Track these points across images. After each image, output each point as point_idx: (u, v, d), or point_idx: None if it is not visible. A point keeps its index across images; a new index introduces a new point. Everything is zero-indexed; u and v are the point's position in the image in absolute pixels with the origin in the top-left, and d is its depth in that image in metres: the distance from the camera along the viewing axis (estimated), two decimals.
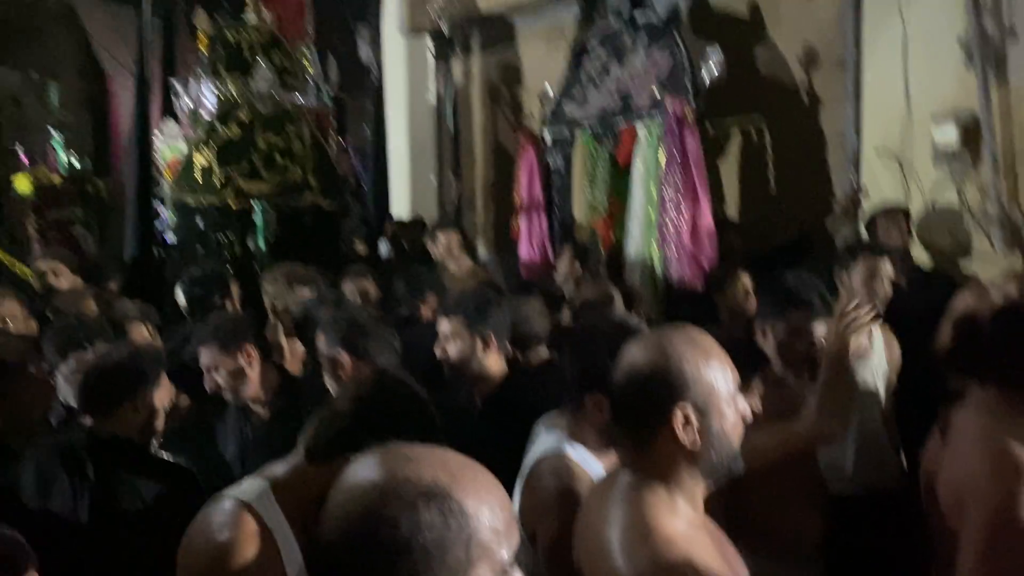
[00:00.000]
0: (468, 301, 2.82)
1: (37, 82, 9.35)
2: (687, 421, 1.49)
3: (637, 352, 1.59)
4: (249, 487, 1.66)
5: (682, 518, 1.49)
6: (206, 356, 2.77)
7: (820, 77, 5.11)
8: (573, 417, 2.02)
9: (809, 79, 5.14)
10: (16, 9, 11.71)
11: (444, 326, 2.79)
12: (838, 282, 3.47)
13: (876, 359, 3.06)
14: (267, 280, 3.93)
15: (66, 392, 2.86)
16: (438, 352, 2.79)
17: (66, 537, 1.61)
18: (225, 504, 1.61)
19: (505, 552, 1.02)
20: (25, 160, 7.73)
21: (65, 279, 4.52)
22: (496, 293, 3.15)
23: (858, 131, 4.90)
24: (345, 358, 2.65)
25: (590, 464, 1.93)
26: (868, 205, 4.63)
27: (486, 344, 2.73)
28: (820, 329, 2.65)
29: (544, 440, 2.02)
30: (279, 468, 1.72)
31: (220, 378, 2.76)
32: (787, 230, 4.96)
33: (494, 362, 2.78)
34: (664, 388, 1.51)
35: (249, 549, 1.55)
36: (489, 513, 1.01)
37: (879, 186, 4.73)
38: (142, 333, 3.40)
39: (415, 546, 0.96)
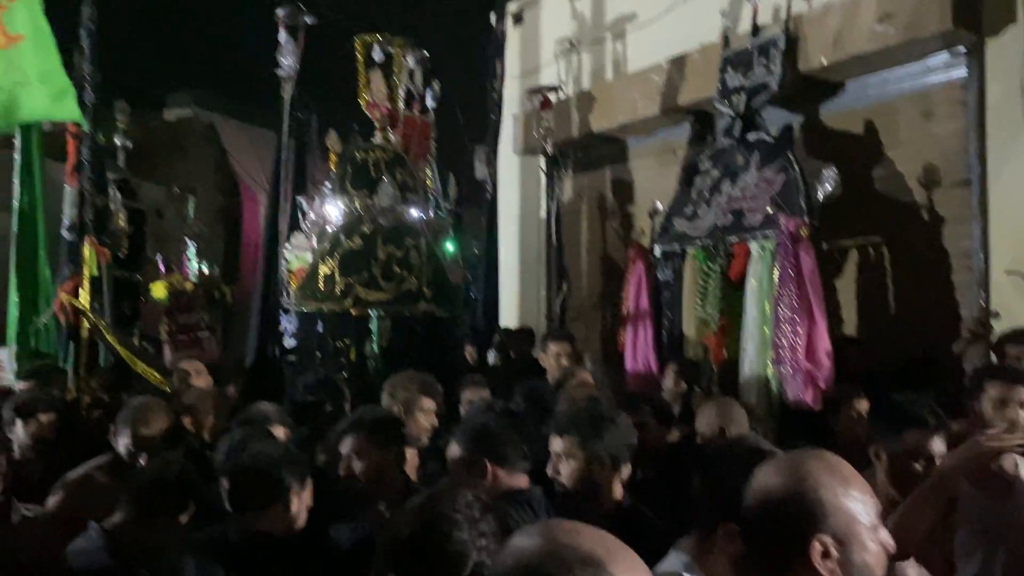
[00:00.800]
0: (583, 418, 2.68)
1: (178, 196, 10.11)
2: (826, 553, 1.41)
3: (771, 477, 1.52)
4: None
5: None
6: (352, 443, 2.83)
7: (942, 196, 5.01)
8: (699, 544, 1.91)
9: (930, 198, 5.05)
10: (163, 129, 12.89)
11: (556, 445, 2.64)
12: (969, 409, 3.29)
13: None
14: (396, 385, 4.01)
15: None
16: (549, 472, 2.64)
17: None
18: None
19: None
20: (162, 268, 8.29)
21: (203, 379, 4.76)
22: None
23: (986, 251, 4.74)
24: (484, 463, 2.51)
25: None
26: (999, 328, 4.42)
27: (603, 465, 2.59)
28: (938, 447, 2.54)
29: (668, 561, 1.92)
30: None
31: (357, 466, 2.80)
32: (910, 352, 4.77)
33: (616, 486, 2.63)
34: (801, 517, 1.43)
35: None
36: None
37: (1010, 309, 4.52)
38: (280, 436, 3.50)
39: None
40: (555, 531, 1.14)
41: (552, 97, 7.05)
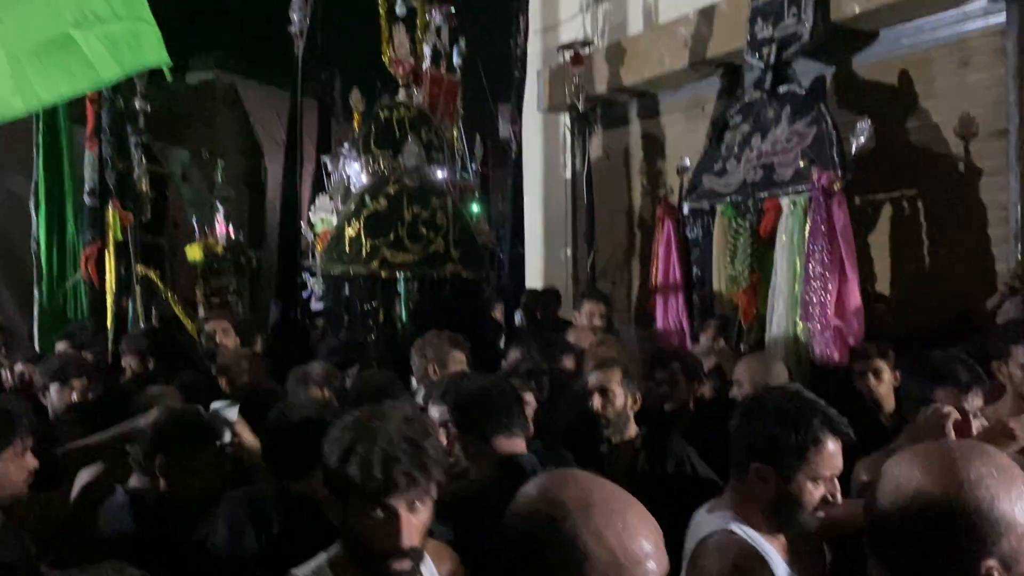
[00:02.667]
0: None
1: (206, 160, 10.13)
2: None
3: (924, 478, 1.21)
4: None
5: None
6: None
7: (979, 147, 4.87)
8: (737, 493, 1.93)
9: (967, 149, 4.91)
10: (187, 95, 12.87)
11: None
12: (995, 371, 3.22)
13: None
14: (425, 345, 4.01)
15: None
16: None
17: None
18: None
19: None
20: (196, 232, 8.36)
21: (231, 339, 4.79)
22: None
23: (1023, 203, 4.62)
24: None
25: (759, 543, 1.83)
26: None
27: None
28: (974, 403, 2.50)
29: (707, 522, 1.93)
30: None
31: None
32: (944, 309, 4.69)
33: None
34: (969, 538, 1.15)
35: None
36: (612, 544, 1.10)
37: None
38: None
39: (534, 552, 1.12)
40: (547, 483, 1.20)
41: (582, 52, 6.92)
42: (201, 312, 7.39)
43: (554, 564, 1.10)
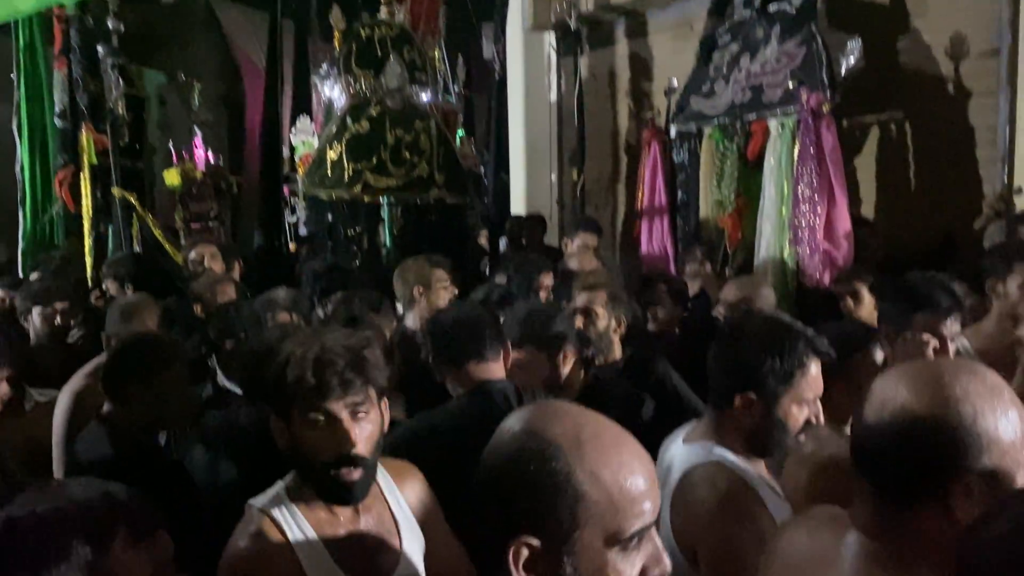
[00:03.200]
0: (534, 323, 2.72)
1: (182, 83, 9.87)
2: (968, 492, 1.17)
3: (911, 394, 1.21)
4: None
5: None
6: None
7: (969, 67, 4.80)
8: (718, 421, 1.89)
9: (957, 70, 4.84)
10: (162, 14, 12.45)
11: (516, 355, 2.65)
12: (989, 289, 3.24)
13: None
14: (406, 269, 3.99)
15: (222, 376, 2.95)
16: (518, 381, 2.65)
17: (233, 514, 1.67)
18: None
19: (627, 524, 1.04)
20: (174, 156, 8.19)
21: (218, 263, 4.74)
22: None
23: (1012, 125, 4.58)
24: None
25: (747, 472, 1.80)
26: (1022, 205, 4.33)
27: (565, 358, 2.68)
28: (951, 328, 2.51)
29: (686, 453, 1.89)
30: None
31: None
32: (931, 232, 4.69)
33: (575, 368, 2.73)
34: (951, 452, 1.17)
35: None
36: (607, 482, 1.03)
37: None
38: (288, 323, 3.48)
39: (523, 492, 1.03)
40: (532, 417, 1.10)
41: None
42: (183, 239, 7.31)
43: (544, 506, 1.02)
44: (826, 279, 4.40)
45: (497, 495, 1.06)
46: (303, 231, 5.85)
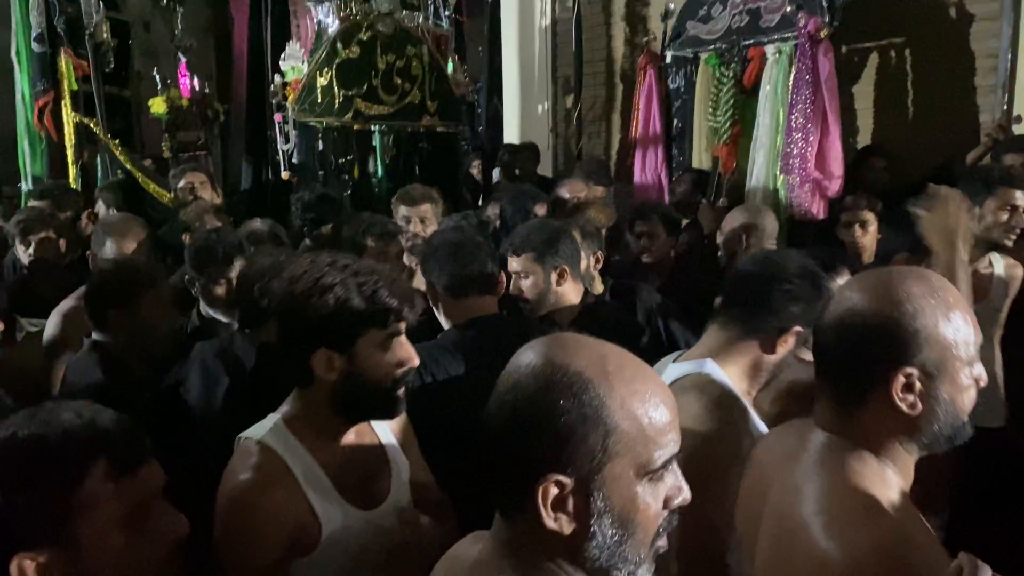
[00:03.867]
0: (536, 236, 2.73)
1: (165, 7, 9.60)
2: (909, 386, 1.28)
3: (859, 296, 1.34)
4: None
5: (896, 492, 1.29)
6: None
7: None
8: (720, 346, 1.85)
9: None
10: None
11: (514, 264, 2.71)
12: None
13: (994, 287, 2.90)
14: (399, 198, 3.98)
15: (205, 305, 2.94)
16: (513, 290, 2.70)
17: (228, 437, 1.68)
18: None
19: (655, 455, 1.02)
20: (159, 83, 7.99)
21: (208, 191, 4.68)
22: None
23: (1015, 51, 4.50)
24: None
25: (733, 386, 1.79)
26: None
27: (561, 276, 2.69)
28: None
29: (675, 369, 1.87)
30: None
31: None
32: (928, 160, 4.65)
33: (572, 292, 2.74)
34: (890, 347, 1.28)
35: None
36: (637, 413, 1.01)
37: None
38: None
39: (551, 429, 0.99)
40: (551, 350, 1.05)
41: None
42: (171, 168, 7.21)
43: (575, 440, 0.98)
44: (815, 209, 4.38)
45: (521, 434, 1.01)
46: (297, 159, 5.75)
